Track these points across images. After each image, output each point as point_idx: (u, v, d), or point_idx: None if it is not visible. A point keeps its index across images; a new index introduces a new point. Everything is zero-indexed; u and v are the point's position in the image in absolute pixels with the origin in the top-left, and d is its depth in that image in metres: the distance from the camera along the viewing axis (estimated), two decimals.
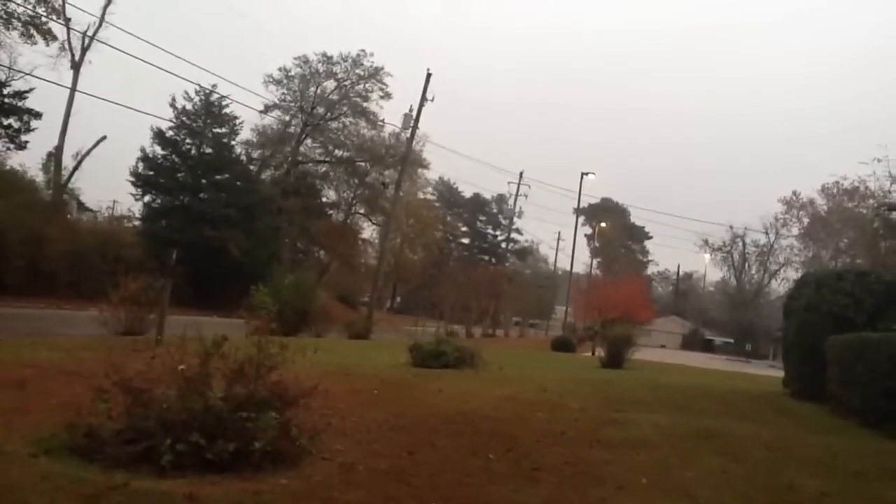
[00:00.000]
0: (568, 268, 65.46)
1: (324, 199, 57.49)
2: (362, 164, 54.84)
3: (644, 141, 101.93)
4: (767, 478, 6.93)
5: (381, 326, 33.48)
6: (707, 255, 73.19)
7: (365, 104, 53.12)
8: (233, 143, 46.06)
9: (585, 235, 79.43)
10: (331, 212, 58.37)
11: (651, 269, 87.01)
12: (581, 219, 71.88)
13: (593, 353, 27.86)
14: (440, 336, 16.98)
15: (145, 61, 28.39)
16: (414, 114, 40.14)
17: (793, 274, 53.40)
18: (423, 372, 13.30)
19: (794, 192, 58.97)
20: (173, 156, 42.56)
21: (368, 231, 62.21)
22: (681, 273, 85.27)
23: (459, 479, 5.84)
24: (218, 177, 43.39)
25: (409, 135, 42.54)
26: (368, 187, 56.12)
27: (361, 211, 59.26)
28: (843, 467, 7.68)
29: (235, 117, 44.46)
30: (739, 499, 6.07)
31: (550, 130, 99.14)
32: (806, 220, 57.79)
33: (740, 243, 69.83)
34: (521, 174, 64.79)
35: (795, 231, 60.05)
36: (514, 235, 76.06)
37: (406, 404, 9.27)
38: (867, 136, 72.35)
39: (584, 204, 67.01)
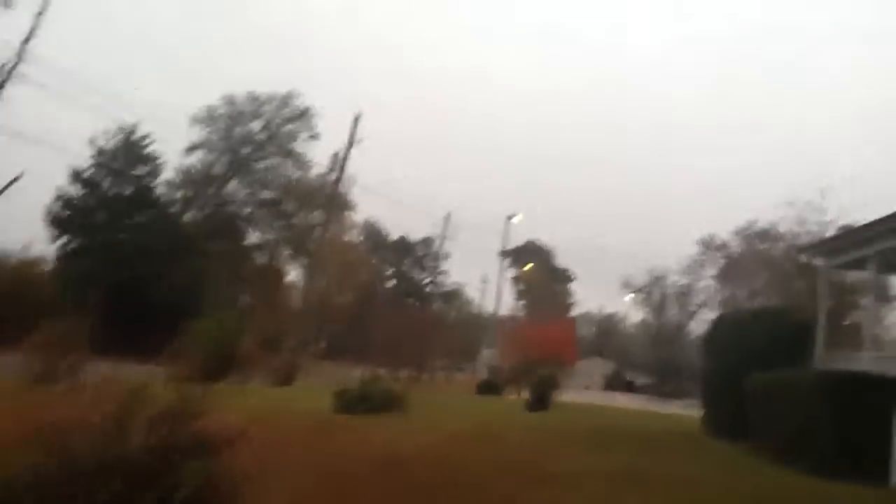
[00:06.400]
0: (495, 310, 65.80)
1: (249, 242, 56.64)
2: (288, 206, 54.35)
3: (567, 183, 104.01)
4: None
5: (308, 371, 32.93)
6: (629, 297, 74.82)
7: (292, 145, 52.91)
8: (154, 183, 45.19)
9: (512, 277, 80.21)
10: (256, 254, 57.52)
11: (576, 311, 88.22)
12: (507, 261, 72.64)
13: (519, 396, 27.98)
14: (366, 380, 16.83)
15: (66, 98, 27.65)
16: (341, 156, 40.16)
17: (711, 314, 54.92)
18: (350, 417, 13.16)
19: (710, 235, 60.87)
20: (91, 196, 41.48)
21: (294, 273, 61.45)
22: (603, 314, 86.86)
23: None
24: (138, 218, 42.42)
25: (336, 177, 42.48)
26: (294, 229, 55.56)
27: (287, 253, 58.54)
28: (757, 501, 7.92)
29: (157, 157, 43.75)
30: None
31: (479, 171, 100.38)
32: (722, 261, 59.66)
33: (660, 284, 71.65)
34: (447, 216, 65.09)
35: (712, 272, 61.90)
36: (439, 278, 76.10)
37: (334, 450, 9.16)
38: (781, 179, 75.19)
39: (509, 247, 67.71)
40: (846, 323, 28.05)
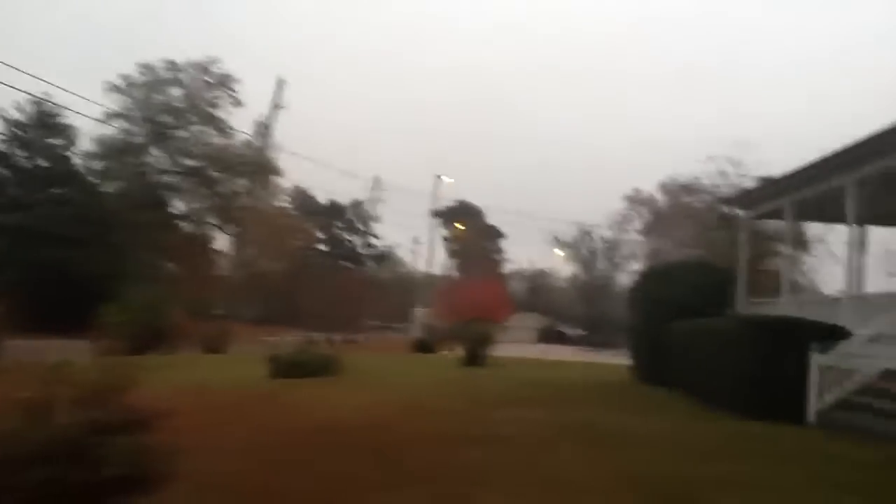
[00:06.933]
0: (427, 270, 66.11)
1: (174, 211, 55.34)
2: (213, 173, 53.20)
3: (497, 142, 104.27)
4: (625, 460, 7.32)
5: (241, 338, 32.57)
6: (559, 252, 76.03)
7: (213, 112, 51.64)
8: (71, 154, 43.69)
9: (444, 237, 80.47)
10: (181, 224, 56.26)
11: (508, 268, 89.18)
12: (438, 221, 72.88)
13: (453, 353, 28.26)
14: (300, 345, 16.75)
15: None
16: (266, 121, 39.41)
17: (638, 267, 56.22)
18: (284, 383, 13.10)
19: (636, 189, 61.95)
20: (3, 170, 39.90)
21: (222, 242, 60.40)
22: (535, 270, 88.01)
23: (329, 491, 5.82)
24: (55, 191, 40.99)
25: (262, 143, 41.71)
26: (220, 197, 54.49)
27: (214, 221, 57.41)
28: (694, 447, 8.27)
29: (73, 127, 42.30)
30: (609, 484, 6.35)
31: (409, 132, 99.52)
32: (648, 215, 60.91)
33: (588, 239, 73.11)
34: (376, 179, 64.83)
35: (638, 226, 63.17)
36: (372, 241, 76.04)
37: (269, 417, 9.14)
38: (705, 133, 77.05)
39: (441, 207, 67.98)
40: (765, 270, 29.14)
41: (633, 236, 65.02)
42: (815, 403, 10.46)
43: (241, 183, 52.47)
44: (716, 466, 7.31)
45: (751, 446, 8.50)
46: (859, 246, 14.01)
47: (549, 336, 66.58)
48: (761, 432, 9.33)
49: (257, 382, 13.16)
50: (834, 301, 14.03)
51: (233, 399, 10.50)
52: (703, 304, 14.93)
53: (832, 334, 11.01)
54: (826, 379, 10.41)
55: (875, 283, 17.37)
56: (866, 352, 10.27)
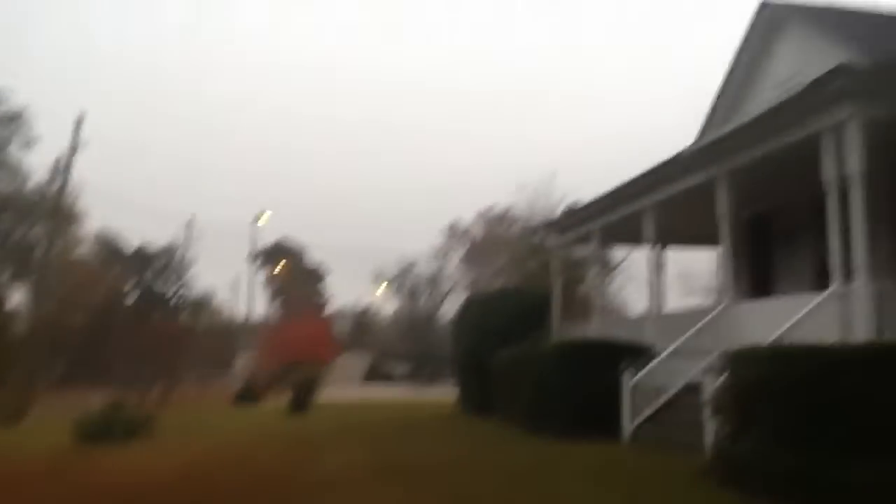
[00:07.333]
0: (249, 315, 64.07)
1: None
2: (4, 222, 48.99)
3: (317, 179, 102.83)
4: (450, 494, 7.33)
5: (43, 403, 30.00)
6: (382, 287, 76.21)
7: (4, 152, 47.51)
8: None
9: (264, 279, 78.49)
10: None
11: (332, 306, 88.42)
12: (257, 262, 71.06)
13: (278, 401, 27.46)
14: (109, 406, 15.60)
15: None
16: (64, 162, 36.56)
17: (460, 298, 57.57)
18: (92, 449, 12.10)
19: (455, 221, 63.56)
20: None
21: (17, 297, 55.56)
22: (360, 307, 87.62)
23: None
24: None
25: (59, 185, 38.74)
26: (13, 247, 50.23)
27: (6, 274, 52.79)
28: (516, 472, 8.44)
29: None
30: None
31: (224, 171, 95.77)
32: (466, 246, 62.62)
33: (410, 272, 73.94)
34: (189, 221, 62.32)
35: (458, 257, 64.76)
36: (186, 287, 72.78)
37: (74, 489, 8.36)
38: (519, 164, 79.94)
39: (260, 247, 66.34)
40: (577, 294, 30.60)
41: (454, 267, 66.61)
42: (628, 420, 10.97)
43: (37, 230, 48.61)
44: (522, 487, 7.70)
45: (558, 465, 8.84)
46: (658, 267, 14.92)
47: (377, 374, 66.39)
48: (574, 452, 9.72)
49: (61, 450, 12.08)
50: (639, 321, 14.86)
51: (34, 470, 9.54)
52: (523, 331, 15.41)
53: (640, 353, 11.65)
54: (637, 396, 10.96)
55: (673, 301, 18.72)
56: (670, 367, 10.90)
